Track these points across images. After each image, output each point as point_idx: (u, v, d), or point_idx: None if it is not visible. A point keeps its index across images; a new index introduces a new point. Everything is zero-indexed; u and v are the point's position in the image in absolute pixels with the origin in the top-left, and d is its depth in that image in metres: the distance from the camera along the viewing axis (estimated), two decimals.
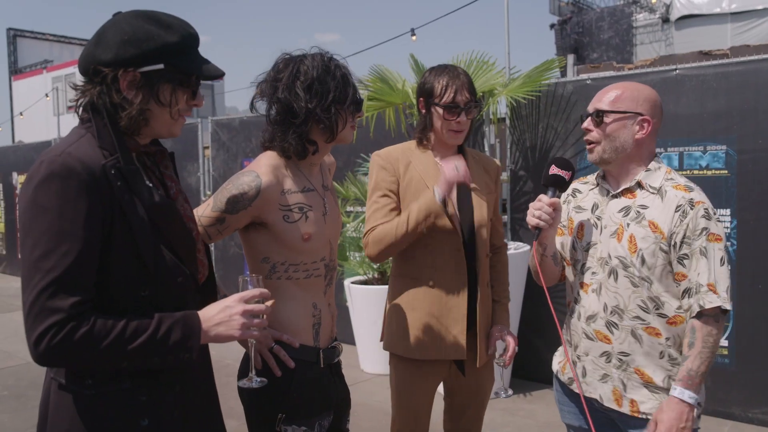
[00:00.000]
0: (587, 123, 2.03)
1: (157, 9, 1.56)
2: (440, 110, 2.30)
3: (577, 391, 2.05)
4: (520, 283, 4.72)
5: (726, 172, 4.04)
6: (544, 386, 4.80)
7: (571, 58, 5.32)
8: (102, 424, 1.43)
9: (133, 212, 1.42)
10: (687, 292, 1.87)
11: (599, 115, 2.00)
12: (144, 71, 1.44)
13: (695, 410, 1.82)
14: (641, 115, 1.97)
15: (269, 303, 1.57)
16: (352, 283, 5.32)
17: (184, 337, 1.42)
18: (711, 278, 1.84)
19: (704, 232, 1.86)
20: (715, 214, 1.91)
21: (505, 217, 5.20)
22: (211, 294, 1.66)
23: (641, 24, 21.60)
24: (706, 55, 7.26)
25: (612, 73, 5.40)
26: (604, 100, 2.01)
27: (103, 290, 1.40)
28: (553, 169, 2.05)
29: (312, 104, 1.84)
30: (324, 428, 1.94)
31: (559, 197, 2.04)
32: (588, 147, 2.05)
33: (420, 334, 2.31)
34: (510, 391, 2.48)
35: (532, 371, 4.78)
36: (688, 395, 1.81)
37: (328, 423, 1.97)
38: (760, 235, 3.96)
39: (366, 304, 5.15)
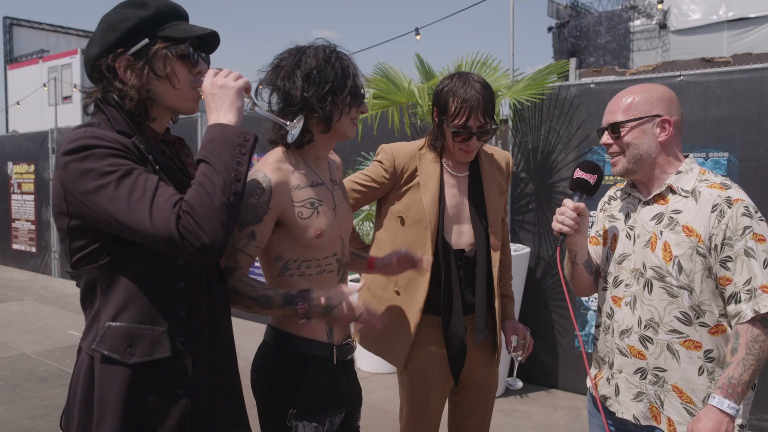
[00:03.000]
0: (605, 138, 1.94)
1: None
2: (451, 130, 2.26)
3: (610, 408, 1.98)
4: (519, 285, 4.74)
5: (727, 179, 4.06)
6: (540, 388, 4.83)
7: (573, 62, 5.34)
8: (147, 392, 1.47)
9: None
10: (734, 297, 1.73)
11: (615, 129, 1.90)
12: (134, 52, 1.51)
13: (735, 423, 1.69)
14: (659, 116, 1.86)
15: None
16: (351, 280, 5.31)
17: (230, 139, 1.45)
18: (765, 279, 1.70)
19: (747, 231, 1.72)
20: (757, 212, 1.76)
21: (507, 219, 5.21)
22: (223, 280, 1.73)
23: (638, 29, 21.68)
24: (708, 62, 7.29)
25: (614, 77, 5.42)
26: (616, 110, 1.91)
27: (144, 259, 1.45)
28: (578, 173, 1.98)
29: (308, 93, 1.83)
30: (335, 425, 1.94)
31: (584, 201, 1.96)
32: (611, 161, 1.95)
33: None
34: (520, 383, 2.50)
35: (529, 373, 4.81)
36: (728, 405, 1.68)
37: (340, 420, 1.97)
38: None
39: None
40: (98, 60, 1.51)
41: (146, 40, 1.51)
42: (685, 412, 1.83)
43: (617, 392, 1.96)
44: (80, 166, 1.40)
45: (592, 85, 4.69)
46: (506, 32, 5.44)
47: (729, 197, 1.76)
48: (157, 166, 1.50)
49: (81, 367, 1.51)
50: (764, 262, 1.72)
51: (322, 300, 1.76)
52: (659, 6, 15.60)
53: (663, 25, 20.61)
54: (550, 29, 23.06)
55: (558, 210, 1.98)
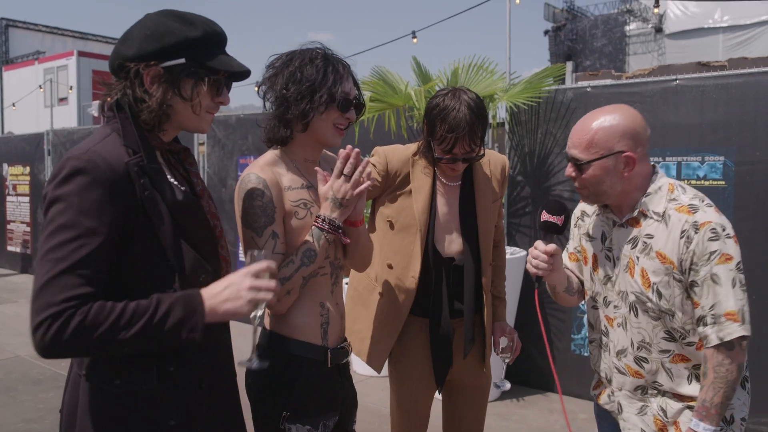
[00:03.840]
0: (569, 170, 1.91)
1: (147, 7, 1.57)
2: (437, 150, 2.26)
3: (618, 422, 2.00)
4: (515, 289, 4.73)
5: (723, 182, 4.07)
6: (536, 392, 4.81)
7: (569, 65, 5.34)
8: (131, 423, 1.42)
9: (155, 210, 1.43)
10: (701, 319, 1.78)
11: (578, 166, 1.88)
12: (166, 66, 1.47)
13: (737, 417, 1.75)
14: (622, 152, 1.82)
15: (275, 282, 1.50)
16: (346, 283, 5.29)
17: (185, 317, 1.35)
18: (729, 305, 1.73)
19: (713, 256, 1.74)
20: (724, 230, 1.77)
21: (503, 222, 5.22)
22: None
23: (634, 33, 21.77)
24: (704, 66, 7.31)
25: (611, 81, 5.43)
26: (577, 145, 1.87)
27: (130, 289, 1.40)
28: (544, 216, 1.98)
29: (288, 91, 1.85)
30: (328, 428, 1.94)
31: (554, 241, 1.98)
32: (577, 190, 1.95)
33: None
34: (507, 384, 2.51)
35: (525, 377, 4.79)
36: (704, 427, 1.74)
37: (333, 423, 1.97)
38: (756, 247, 4.00)
39: None
40: (129, 61, 1.47)
41: (183, 60, 1.47)
42: (688, 411, 1.86)
43: (620, 410, 1.98)
44: (57, 190, 1.35)
45: (588, 89, 4.70)
46: (503, 35, 5.47)
47: (696, 222, 1.77)
48: (147, 192, 1.43)
49: (70, 383, 1.49)
50: (732, 281, 1.75)
51: (329, 204, 1.86)
52: (655, 10, 15.66)
53: (659, 29, 20.71)
54: (546, 33, 23.14)
55: (530, 253, 1.99)
